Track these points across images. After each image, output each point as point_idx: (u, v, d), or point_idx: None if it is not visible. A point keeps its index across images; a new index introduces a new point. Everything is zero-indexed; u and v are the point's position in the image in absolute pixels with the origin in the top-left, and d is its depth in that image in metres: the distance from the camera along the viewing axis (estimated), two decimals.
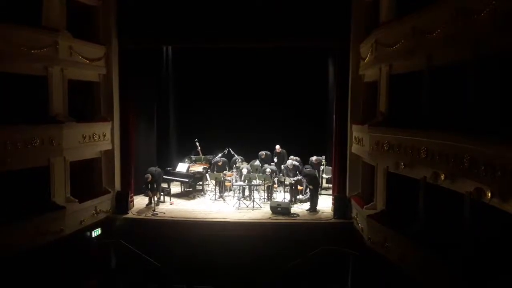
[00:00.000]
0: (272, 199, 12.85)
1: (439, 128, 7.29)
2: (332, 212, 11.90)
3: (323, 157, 13.90)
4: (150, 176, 12.36)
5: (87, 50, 11.19)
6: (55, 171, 10.32)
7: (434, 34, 7.38)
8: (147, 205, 12.71)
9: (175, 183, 14.15)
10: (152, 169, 12.77)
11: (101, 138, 11.77)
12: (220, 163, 13.93)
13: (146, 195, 12.69)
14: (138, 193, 13.25)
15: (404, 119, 8.81)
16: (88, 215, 11.26)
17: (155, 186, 12.54)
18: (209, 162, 14.37)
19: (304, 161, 14.07)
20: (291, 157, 13.62)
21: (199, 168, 13.87)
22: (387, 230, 8.89)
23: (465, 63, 6.84)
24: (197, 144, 14.73)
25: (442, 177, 7.20)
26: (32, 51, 9.45)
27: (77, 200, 10.78)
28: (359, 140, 10.83)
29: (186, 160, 14.41)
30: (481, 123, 6.36)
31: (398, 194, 9.21)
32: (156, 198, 12.72)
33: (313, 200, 12.23)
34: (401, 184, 8.94)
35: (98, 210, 11.61)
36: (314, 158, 13.79)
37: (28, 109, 9.70)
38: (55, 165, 10.30)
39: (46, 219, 9.78)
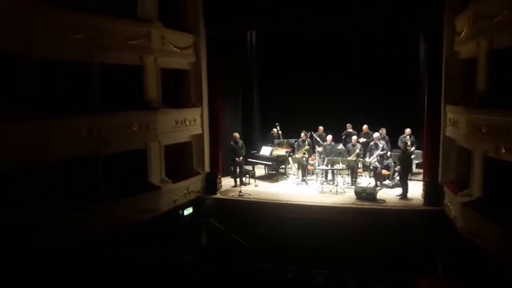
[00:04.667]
0: (357, 184, 12.57)
1: None
2: (423, 199, 11.30)
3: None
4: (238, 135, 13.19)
5: (177, 39, 11.81)
6: (152, 154, 11.16)
7: None
8: (233, 186, 13.26)
9: (259, 166, 14.52)
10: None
11: (191, 123, 12.45)
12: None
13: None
14: (225, 174, 13.87)
15: (506, 98, 7.99)
16: (181, 195, 12.04)
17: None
18: (291, 145, 14.46)
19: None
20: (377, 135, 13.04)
21: (281, 151, 14.03)
22: (484, 219, 8.23)
23: None
24: (278, 128, 14.89)
25: None
26: (129, 42, 10.20)
27: (171, 181, 11.57)
28: (454, 122, 10.07)
29: (276, 144, 14.63)
30: None
31: (498, 181, 8.45)
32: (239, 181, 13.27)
33: (404, 186, 11.71)
34: (501, 169, 8.18)
35: (189, 190, 12.36)
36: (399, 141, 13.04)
37: (127, 97, 10.55)
38: (152, 148, 11.14)
39: (145, 198, 10.65)
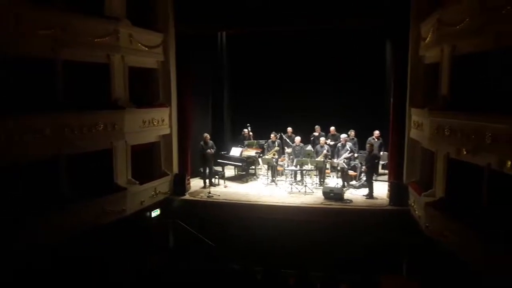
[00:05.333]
0: (325, 185, 12.74)
1: (506, 112, 6.80)
2: (388, 199, 11.58)
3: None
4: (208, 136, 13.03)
5: (146, 37, 11.57)
6: (118, 155, 10.90)
7: (503, 12, 6.83)
8: (202, 187, 13.13)
9: (228, 166, 14.46)
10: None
11: (160, 123, 12.22)
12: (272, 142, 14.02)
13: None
14: (194, 175, 13.72)
15: (467, 102, 8.30)
16: (148, 196, 11.79)
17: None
18: (261, 146, 14.49)
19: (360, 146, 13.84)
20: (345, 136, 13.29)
21: (251, 152, 14.04)
22: (447, 219, 8.52)
23: None
24: (249, 129, 14.88)
25: (509, 164, 6.74)
26: (96, 39, 9.91)
27: (138, 182, 11.32)
28: (418, 125, 10.38)
29: (245, 145, 14.59)
30: None
31: (459, 182, 8.77)
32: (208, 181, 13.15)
33: (370, 186, 11.97)
34: (462, 171, 8.50)
35: (157, 191, 12.13)
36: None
37: (92, 95, 10.25)
38: (118, 149, 10.88)
39: (110, 200, 10.36)
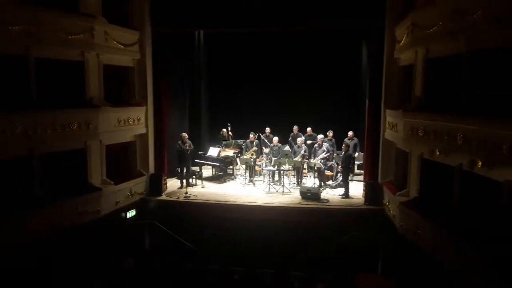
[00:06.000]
0: (302, 184, 12.84)
1: (477, 114, 7.02)
2: (363, 199, 11.77)
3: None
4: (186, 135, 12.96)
5: (122, 35, 11.40)
6: (92, 154, 10.68)
7: (475, 16, 7.05)
8: (179, 188, 13.01)
9: (206, 167, 14.37)
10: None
11: (135, 122, 12.06)
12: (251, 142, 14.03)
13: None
14: (171, 175, 13.57)
15: (440, 104, 8.53)
16: (123, 197, 11.62)
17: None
18: (239, 146, 14.47)
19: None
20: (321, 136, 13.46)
21: (229, 152, 14.00)
22: (420, 218, 8.72)
23: (509, 45, 6.51)
24: (229, 128, 14.84)
25: (479, 164, 6.96)
26: (70, 37, 9.69)
27: (113, 182, 11.12)
28: (393, 126, 10.59)
29: (223, 145, 14.52)
30: None
31: (432, 181, 8.99)
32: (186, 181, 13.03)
33: (346, 186, 12.15)
34: (435, 171, 8.72)
35: (133, 192, 11.96)
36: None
37: (66, 94, 10.02)
38: (92, 148, 10.66)
39: (84, 200, 10.16)
